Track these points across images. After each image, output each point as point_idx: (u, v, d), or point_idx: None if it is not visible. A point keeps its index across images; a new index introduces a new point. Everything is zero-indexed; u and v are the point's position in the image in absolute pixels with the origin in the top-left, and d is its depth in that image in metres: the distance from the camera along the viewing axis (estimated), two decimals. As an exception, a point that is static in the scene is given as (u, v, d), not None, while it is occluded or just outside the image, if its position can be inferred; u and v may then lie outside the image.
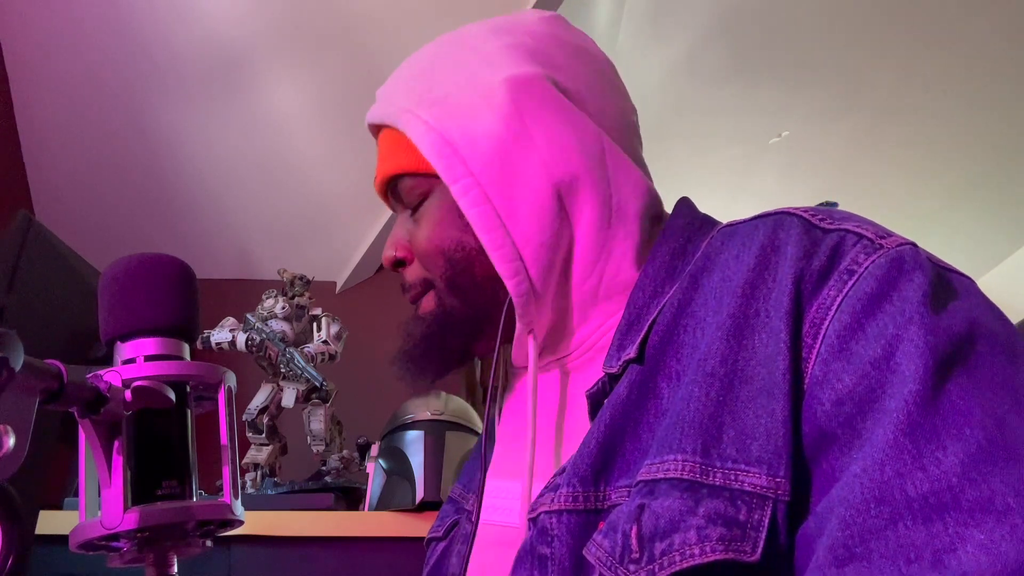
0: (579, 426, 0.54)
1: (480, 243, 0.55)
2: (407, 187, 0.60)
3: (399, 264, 0.63)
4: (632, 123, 0.63)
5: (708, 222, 0.59)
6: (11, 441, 0.30)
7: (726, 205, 3.92)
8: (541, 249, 0.54)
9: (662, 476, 0.43)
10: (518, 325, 0.56)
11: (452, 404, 1.52)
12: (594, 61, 0.62)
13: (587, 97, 0.58)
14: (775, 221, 0.49)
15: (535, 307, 0.55)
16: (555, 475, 0.51)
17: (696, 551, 0.39)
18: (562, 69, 0.58)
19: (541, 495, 0.50)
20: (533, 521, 0.50)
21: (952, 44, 2.91)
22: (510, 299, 0.56)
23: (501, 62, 0.57)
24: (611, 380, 0.52)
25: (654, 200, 0.59)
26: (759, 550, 0.38)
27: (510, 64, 0.57)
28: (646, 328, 0.51)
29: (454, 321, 0.60)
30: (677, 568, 0.39)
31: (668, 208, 0.62)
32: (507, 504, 0.57)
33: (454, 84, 0.58)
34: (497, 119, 0.55)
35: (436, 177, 0.57)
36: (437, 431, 1.44)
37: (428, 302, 0.61)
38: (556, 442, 0.57)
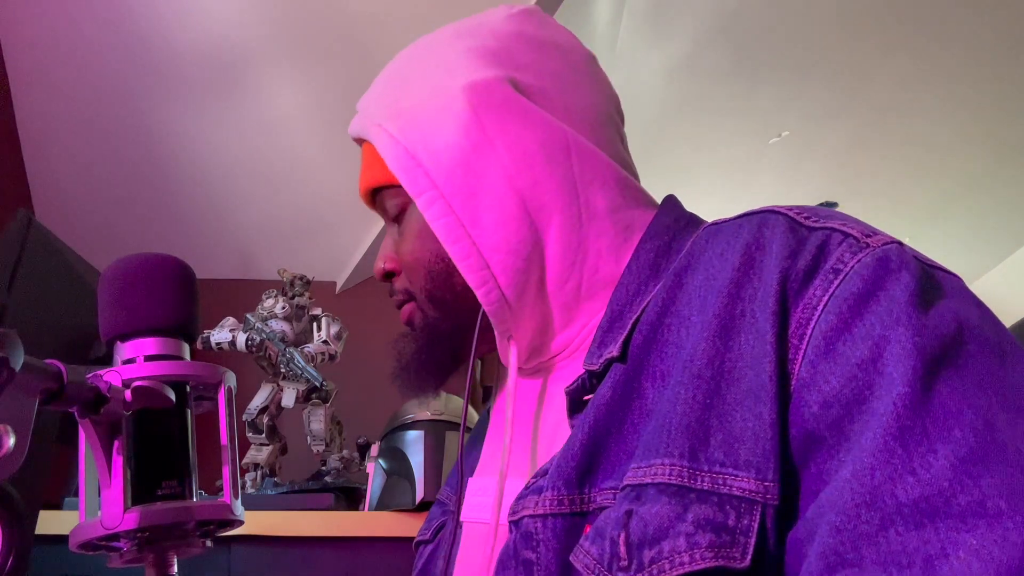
0: (559, 424, 0.54)
1: None
2: (387, 199, 0.61)
3: (389, 276, 0.64)
4: (608, 115, 0.62)
5: (694, 221, 0.58)
6: (11, 441, 0.30)
7: (726, 205, 3.93)
8: (508, 257, 0.54)
9: (649, 480, 0.42)
10: (496, 333, 0.56)
11: (452, 404, 1.52)
12: (564, 55, 0.61)
13: (553, 94, 0.58)
14: (760, 219, 0.48)
15: (510, 315, 0.55)
16: (537, 476, 0.50)
17: (686, 558, 0.39)
18: (525, 68, 0.58)
19: (524, 497, 0.50)
20: (516, 524, 0.49)
21: (952, 44, 2.91)
22: (481, 315, 0.56)
23: (461, 68, 0.57)
24: (591, 378, 0.52)
25: (631, 192, 0.58)
26: (748, 556, 0.38)
27: (469, 69, 0.56)
28: (629, 326, 0.51)
29: (439, 334, 0.61)
30: None
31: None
32: (488, 501, 0.57)
33: (419, 94, 0.58)
34: (457, 129, 0.54)
35: None
36: (437, 431, 1.44)
37: (408, 311, 0.62)
38: (537, 440, 0.57)
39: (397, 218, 0.61)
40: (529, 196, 0.54)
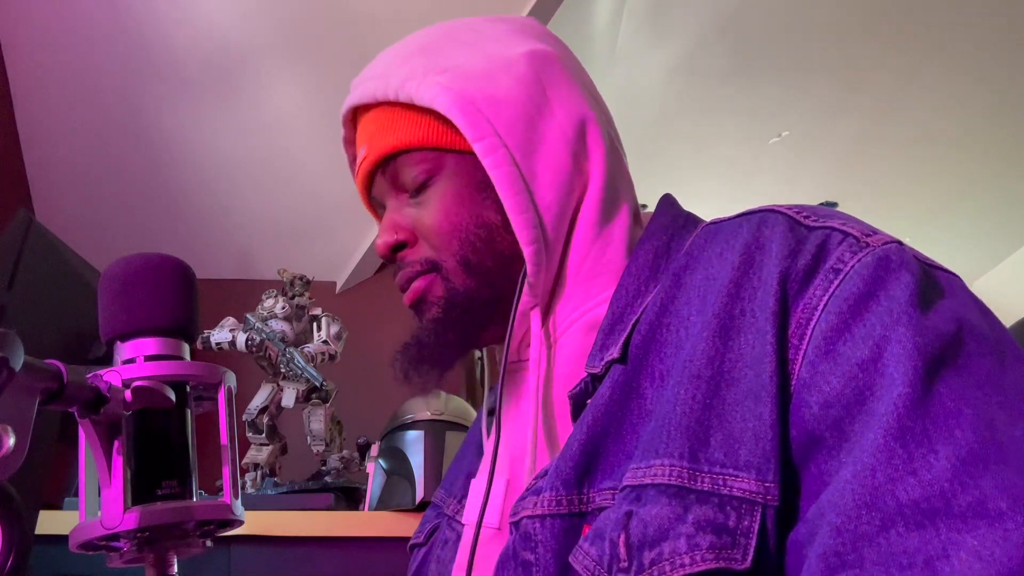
0: (563, 427, 0.54)
1: (501, 218, 0.54)
2: (410, 165, 0.56)
3: (399, 248, 0.58)
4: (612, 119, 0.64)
5: (692, 220, 0.58)
6: (11, 441, 0.30)
7: (726, 205, 3.92)
8: (557, 219, 0.54)
9: (649, 481, 0.42)
10: (525, 298, 0.54)
11: (452, 404, 1.52)
12: (577, 59, 0.63)
13: (586, 85, 0.60)
14: (760, 219, 0.48)
15: (544, 275, 0.54)
16: (538, 478, 0.50)
17: (687, 560, 0.39)
18: (564, 56, 0.60)
19: (523, 498, 0.50)
20: (515, 525, 0.49)
21: (952, 44, 2.91)
22: (522, 278, 0.53)
23: (516, 40, 0.58)
24: (594, 381, 0.51)
25: (635, 195, 0.60)
26: (749, 558, 0.38)
27: (525, 42, 0.58)
28: (629, 328, 0.51)
29: (471, 304, 0.56)
30: None
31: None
32: (490, 504, 0.56)
33: (466, 56, 0.56)
34: (519, 85, 0.55)
35: (446, 152, 0.55)
36: (437, 431, 1.44)
37: (425, 284, 0.57)
38: (543, 443, 0.56)
39: (419, 188, 0.57)
40: (581, 163, 0.55)
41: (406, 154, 0.56)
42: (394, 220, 0.58)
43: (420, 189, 0.57)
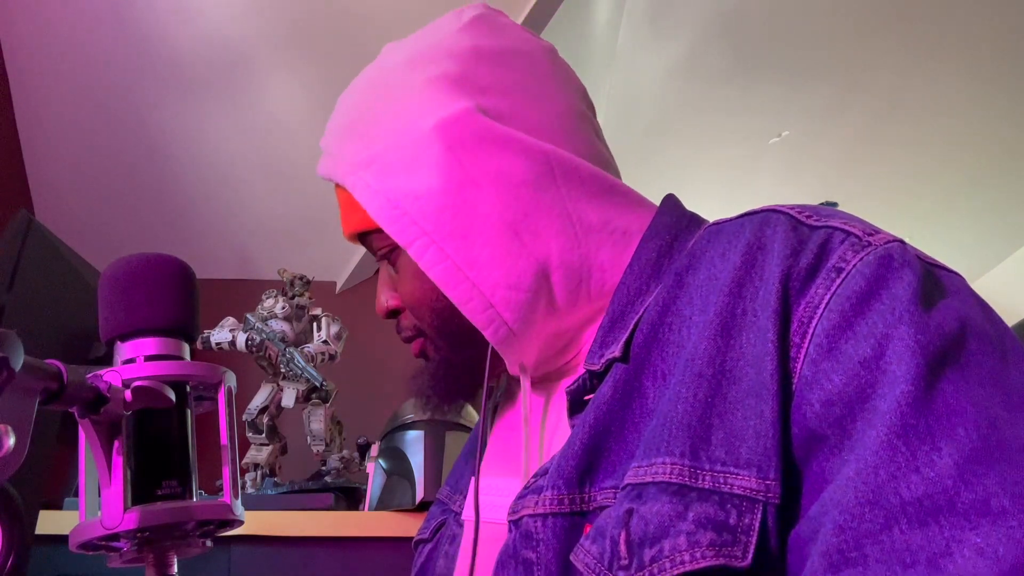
0: (561, 424, 0.54)
1: None
2: (376, 242, 0.59)
3: (394, 313, 0.62)
4: (579, 112, 0.60)
5: (695, 220, 0.58)
6: (11, 441, 0.30)
7: (726, 205, 3.91)
8: (511, 292, 0.53)
9: (650, 480, 0.42)
10: (507, 364, 0.56)
11: (452, 404, 1.52)
12: (524, 61, 0.59)
13: (523, 110, 0.56)
14: (762, 219, 0.48)
15: (519, 345, 0.54)
16: (537, 476, 0.50)
17: (687, 557, 0.39)
18: (490, 89, 0.56)
19: (523, 496, 0.50)
20: (515, 524, 0.49)
21: (953, 44, 2.91)
22: (490, 350, 0.55)
23: (428, 103, 0.55)
24: (592, 377, 0.52)
25: (620, 196, 0.57)
26: (750, 555, 0.38)
27: (437, 104, 0.54)
28: (631, 327, 0.51)
29: (456, 365, 0.60)
30: (668, 575, 0.39)
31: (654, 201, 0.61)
32: (498, 501, 0.56)
33: (388, 137, 0.56)
34: (437, 172, 0.53)
35: None
36: (437, 431, 1.44)
37: (420, 345, 0.62)
38: (545, 443, 0.57)
39: (388, 257, 0.60)
40: (522, 226, 0.53)
41: (369, 233, 0.59)
42: (383, 286, 0.62)
43: (391, 260, 0.60)
